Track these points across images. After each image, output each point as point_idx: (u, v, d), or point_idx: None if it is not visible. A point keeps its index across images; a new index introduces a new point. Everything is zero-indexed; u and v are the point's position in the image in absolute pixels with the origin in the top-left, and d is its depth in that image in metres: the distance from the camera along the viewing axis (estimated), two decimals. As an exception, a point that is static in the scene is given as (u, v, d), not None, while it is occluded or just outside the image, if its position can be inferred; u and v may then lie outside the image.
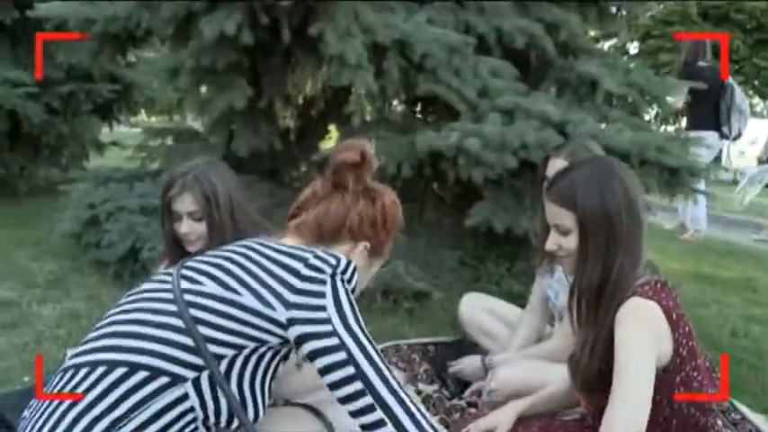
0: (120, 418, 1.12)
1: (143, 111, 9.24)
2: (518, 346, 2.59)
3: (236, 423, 1.25)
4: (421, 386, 2.71)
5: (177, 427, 1.17)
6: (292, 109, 3.90)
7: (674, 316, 1.53)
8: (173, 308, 1.21)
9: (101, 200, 4.08)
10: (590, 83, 3.85)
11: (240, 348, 1.21)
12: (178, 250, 2.01)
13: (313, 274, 1.25)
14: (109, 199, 4.05)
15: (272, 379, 1.31)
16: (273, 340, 1.23)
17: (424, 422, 1.24)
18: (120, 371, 1.15)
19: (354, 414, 1.22)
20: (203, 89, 3.75)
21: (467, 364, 2.64)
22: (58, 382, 1.19)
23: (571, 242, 1.60)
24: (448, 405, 2.52)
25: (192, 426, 1.19)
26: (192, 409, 1.18)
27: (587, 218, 1.57)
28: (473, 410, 2.41)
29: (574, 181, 1.61)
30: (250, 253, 1.29)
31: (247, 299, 1.21)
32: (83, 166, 7.78)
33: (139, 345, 1.17)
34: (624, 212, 1.56)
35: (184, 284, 1.24)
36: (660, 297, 1.53)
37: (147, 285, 1.32)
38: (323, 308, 1.21)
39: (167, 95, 6.02)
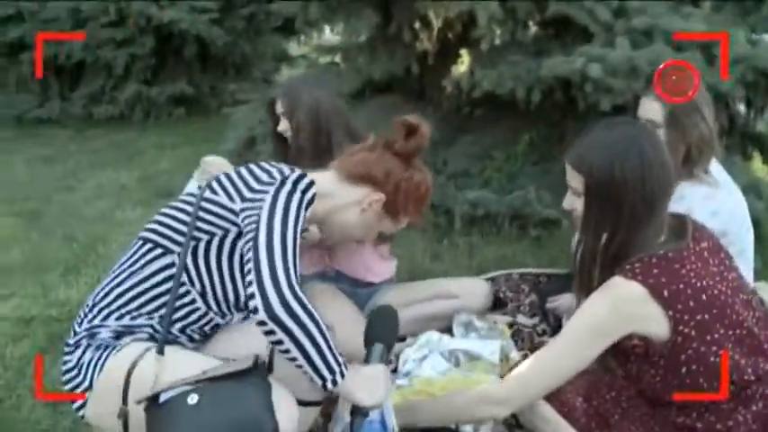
0: (135, 271, 1.65)
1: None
2: None
3: (237, 316, 1.77)
4: (521, 318, 2.74)
5: (168, 285, 1.64)
6: (430, 32, 3.88)
7: (666, 293, 1.45)
8: (189, 208, 1.65)
9: (258, 121, 4.39)
10: (759, -10, 3.41)
11: (212, 234, 1.62)
12: (282, 146, 2.62)
13: (268, 179, 1.61)
14: (264, 120, 4.34)
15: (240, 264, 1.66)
16: (233, 228, 1.61)
17: (287, 292, 1.42)
18: (139, 242, 1.68)
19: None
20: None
21: (564, 301, 2.62)
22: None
23: (581, 205, 1.57)
24: (536, 341, 2.54)
25: (184, 288, 1.64)
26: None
27: (593, 184, 1.51)
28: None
29: (591, 143, 1.55)
30: (243, 169, 1.69)
31: (222, 197, 1.62)
32: (273, 80, 8.31)
33: (153, 226, 1.69)
34: (635, 188, 1.47)
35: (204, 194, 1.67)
36: (649, 274, 1.46)
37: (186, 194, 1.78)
38: (262, 200, 1.55)
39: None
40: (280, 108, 2.56)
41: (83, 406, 1.59)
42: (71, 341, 1.65)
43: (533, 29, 3.48)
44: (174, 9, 6.16)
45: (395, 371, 2.40)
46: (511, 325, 2.63)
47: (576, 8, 3.24)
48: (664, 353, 1.50)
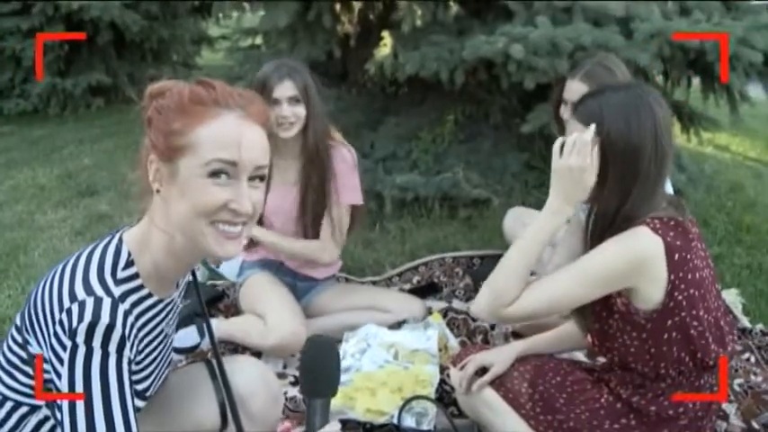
0: (11, 430, 1.33)
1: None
2: (555, 267, 2.54)
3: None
4: (456, 303, 2.76)
5: None
6: (350, 15, 3.81)
7: (677, 257, 1.48)
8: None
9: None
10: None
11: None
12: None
13: (58, 329, 1.16)
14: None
15: None
16: None
17: None
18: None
19: None
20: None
21: (497, 285, 2.64)
22: None
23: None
24: (472, 327, 2.57)
25: None
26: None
27: (610, 143, 1.50)
28: (478, 342, 2.46)
29: (603, 104, 1.54)
30: (46, 291, 1.23)
31: (34, 348, 1.25)
32: (194, 63, 8.06)
33: (5, 380, 1.32)
34: (648, 146, 1.49)
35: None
36: (667, 233, 1.48)
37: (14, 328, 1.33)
38: (62, 360, 1.14)
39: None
40: (291, 91, 2.28)
41: None
42: None
43: (454, 8, 3.45)
44: (83, -5, 5.88)
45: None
46: (445, 314, 2.64)
47: (495, -14, 3.24)
48: (652, 316, 1.52)
